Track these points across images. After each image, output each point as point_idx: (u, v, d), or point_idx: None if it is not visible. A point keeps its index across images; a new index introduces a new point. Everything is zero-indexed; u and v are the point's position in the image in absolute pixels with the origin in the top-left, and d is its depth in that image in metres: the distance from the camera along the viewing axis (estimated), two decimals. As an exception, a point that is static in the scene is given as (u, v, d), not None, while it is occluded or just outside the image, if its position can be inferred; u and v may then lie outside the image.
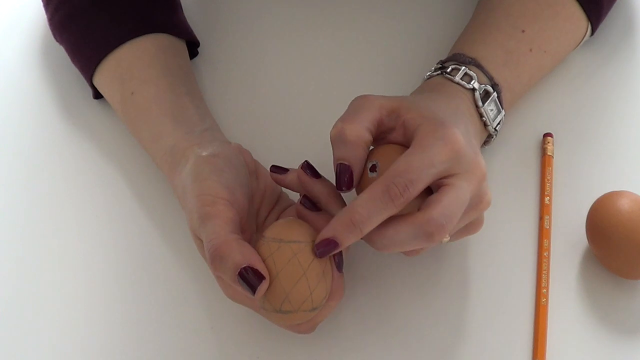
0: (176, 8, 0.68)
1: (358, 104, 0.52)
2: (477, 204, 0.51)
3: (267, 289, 0.49)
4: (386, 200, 0.47)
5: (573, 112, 0.65)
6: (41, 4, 0.69)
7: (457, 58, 0.59)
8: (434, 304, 0.57)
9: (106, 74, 0.64)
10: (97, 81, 0.65)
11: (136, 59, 0.63)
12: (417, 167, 0.48)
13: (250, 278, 0.48)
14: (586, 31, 0.64)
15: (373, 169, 0.51)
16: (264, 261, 0.49)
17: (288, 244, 0.50)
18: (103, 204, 0.64)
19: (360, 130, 0.51)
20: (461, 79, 0.57)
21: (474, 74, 0.58)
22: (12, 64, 0.73)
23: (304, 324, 0.52)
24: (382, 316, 0.56)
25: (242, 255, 0.49)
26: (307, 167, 0.53)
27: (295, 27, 0.72)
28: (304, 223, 0.51)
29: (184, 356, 0.56)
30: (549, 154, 0.62)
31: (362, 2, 0.73)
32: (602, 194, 0.56)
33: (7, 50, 0.74)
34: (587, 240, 0.57)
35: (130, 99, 0.62)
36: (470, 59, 0.59)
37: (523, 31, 0.61)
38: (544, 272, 0.57)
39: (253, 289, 0.48)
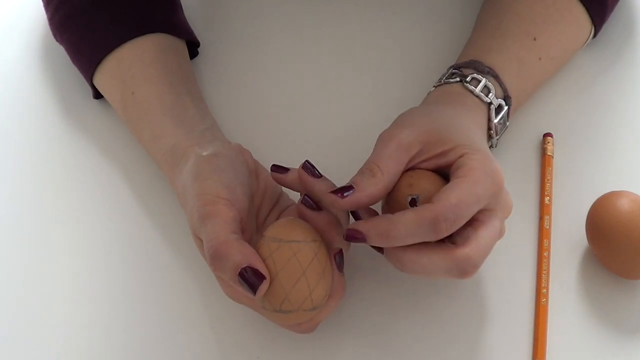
0: (176, 8, 0.68)
1: (386, 147, 0.51)
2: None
3: (268, 288, 0.49)
4: (430, 231, 0.47)
5: (573, 112, 0.65)
6: (41, 4, 0.69)
7: (476, 66, 0.59)
8: (434, 304, 0.57)
9: (106, 73, 0.64)
10: (97, 81, 0.65)
11: (137, 59, 0.63)
12: (467, 202, 0.48)
13: (250, 278, 0.48)
14: (590, 34, 0.65)
15: (413, 203, 0.50)
16: (263, 261, 0.49)
17: (288, 244, 0.50)
18: (103, 203, 0.64)
19: (386, 187, 0.50)
20: (480, 91, 0.57)
21: (492, 87, 0.58)
22: (12, 64, 0.73)
23: (305, 324, 0.52)
24: (382, 316, 0.56)
25: (242, 255, 0.49)
26: (308, 167, 0.53)
27: (295, 27, 0.72)
28: (303, 223, 0.51)
29: (184, 356, 0.56)
30: (549, 154, 0.62)
31: (364, 2, 0.73)
32: (602, 194, 0.56)
33: (7, 50, 0.74)
34: (587, 240, 0.57)
35: (131, 99, 0.62)
36: (488, 69, 0.59)
37: (534, 39, 0.61)
38: (544, 272, 0.57)
39: (253, 289, 0.48)
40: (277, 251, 0.49)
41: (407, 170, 0.52)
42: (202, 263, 0.56)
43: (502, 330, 0.55)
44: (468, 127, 0.53)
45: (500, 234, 0.52)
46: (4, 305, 0.60)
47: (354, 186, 0.50)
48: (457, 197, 0.47)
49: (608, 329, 0.55)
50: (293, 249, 0.49)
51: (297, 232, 0.50)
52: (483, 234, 0.48)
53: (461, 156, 0.50)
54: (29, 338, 0.58)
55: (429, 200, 0.49)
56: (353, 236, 0.49)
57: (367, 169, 0.51)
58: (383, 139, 0.52)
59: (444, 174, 0.52)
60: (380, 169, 0.50)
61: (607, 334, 0.55)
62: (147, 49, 0.64)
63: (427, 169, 0.52)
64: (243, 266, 0.48)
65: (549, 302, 0.56)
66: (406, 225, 0.47)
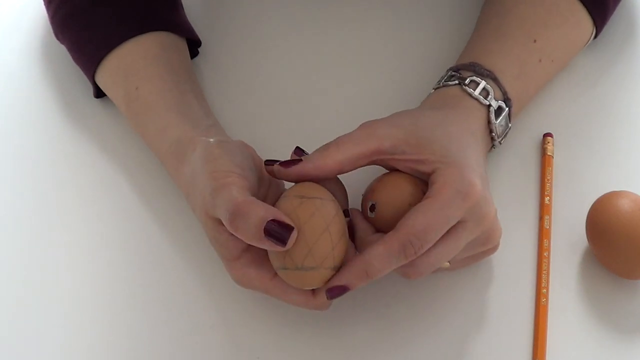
0: (177, 6, 0.68)
1: (356, 130, 0.53)
2: (486, 239, 0.53)
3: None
4: (401, 257, 0.48)
5: (573, 112, 0.65)
6: (42, 3, 0.69)
7: (475, 69, 0.59)
8: (434, 304, 0.57)
9: (108, 71, 0.64)
10: (99, 78, 0.65)
11: (139, 56, 0.63)
12: (435, 226, 0.49)
13: (277, 230, 0.48)
14: (591, 35, 0.65)
15: (372, 209, 0.52)
16: (288, 217, 0.49)
17: (311, 200, 0.49)
18: (105, 202, 0.64)
19: (334, 164, 0.52)
20: (479, 93, 0.57)
21: (491, 89, 0.58)
22: (13, 64, 0.73)
23: (321, 296, 0.51)
24: (382, 315, 0.56)
25: (265, 210, 0.48)
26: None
27: (297, 27, 0.72)
28: (320, 186, 0.52)
29: (184, 356, 0.56)
30: (549, 154, 0.62)
31: (365, 2, 0.73)
32: (602, 194, 0.56)
33: (8, 50, 0.74)
34: (587, 240, 0.57)
35: (135, 94, 0.62)
36: (487, 72, 0.58)
37: (535, 41, 0.61)
38: (544, 272, 0.57)
39: (282, 240, 0.48)
40: (301, 206, 0.49)
41: (386, 173, 0.53)
42: (202, 262, 0.56)
43: (502, 330, 0.55)
44: (450, 135, 0.53)
45: (495, 237, 0.53)
46: (6, 305, 0.60)
47: (303, 159, 0.52)
48: (423, 222, 0.48)
49: (608, 329, 0.55)
50: (316, 205, 0.49)
51: (319, 190, 0.51)
52: (438, 246, 0.50)
53: (434, 171, 0.51)
54: (32, 339, 0.58)
55: (389, 206, 0.51)
56: (336, 293, 0.49)
57: (324, 145, 0.52)
58: (360, 125, 0.54)
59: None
60: (337, 145, 0.52)
61: (607, 334, 0.55)
62: (150, 46, 0.64)
63: (405, 172, 0.53)
64: (268, 219, 0.48)
65: (549, 302, 0.56)
66: (379, 259, 0.48)
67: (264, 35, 0.72)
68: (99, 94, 0.67)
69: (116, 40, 0.63)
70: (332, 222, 0.49)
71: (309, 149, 0.54)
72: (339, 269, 0.50)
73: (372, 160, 0.52)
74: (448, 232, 0.49)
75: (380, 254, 0.48)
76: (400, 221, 0.49)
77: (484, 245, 0.53)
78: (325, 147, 0.52)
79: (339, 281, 0.49)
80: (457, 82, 0.58)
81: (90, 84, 0.67)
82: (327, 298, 0.49)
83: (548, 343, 0.54)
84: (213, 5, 0.74)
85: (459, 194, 0.49)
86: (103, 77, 0.65)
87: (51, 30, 0.69)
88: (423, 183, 0.52)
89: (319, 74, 0.69)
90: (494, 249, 0.55)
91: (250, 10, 0.74)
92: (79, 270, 0.61)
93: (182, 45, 0.67)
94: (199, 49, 0.70)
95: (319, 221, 0.49)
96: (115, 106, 0.66)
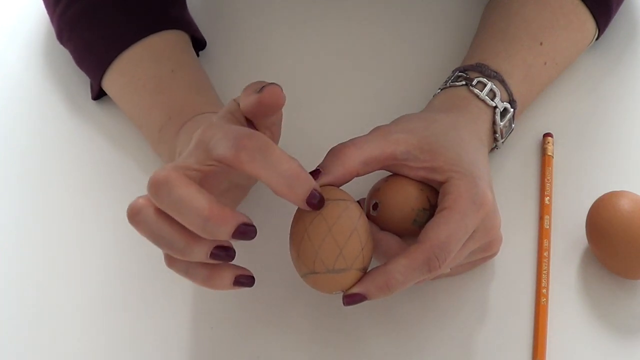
0: (185, 6, 0.69)
1: (371, 133, 0.53)
2: (488, 247, 0.53)
3: (320, 247, 0.48)
4: (425, 271, 0.48)
5: (573, 112, 0.65)
6: (42, 7, 0.69)
7: (482, 70, 0.59)
8: (433, 303, 0.57)
9: (131, 61, 0.63)
10: (113, 69, 0.64)
11: (167, 48, 0.63)
12: (457, 237, 0.48)
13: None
14: (593, 37, 0.65)
15: (375, 207, 0.52)
16: (313, 220, 0.48)
17: (335, 202, 0.49)
18: (106, 203, 0.64)
19: (354, 166, 0.51)
20: (486, 95, 0.57)
21: (498, 90, 0.58)
22: (14, 67, 0.73)
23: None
24: (382, 315, 0.56)
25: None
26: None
27: (300, 27, 0.72)
28: (340, 189, 0.51)
29: (184, 356, 0.56)
30: (549, 154, 0.62)
31: (369, 1, 0.73)
32: (602, 194, 0.56)
33: (8, 53, 0.74)
34: (587, 240, 0.57)
35: (171, 76, 0.62)
36: (494, 73, 0.58)
37: (541, 44, 0.61)
38: (544, 272, 0.57)
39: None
40: (327, 208, 0.48)
41: (393, 175, 0.53)
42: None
43: (502, 330, 0.55)
44: (462, 141, 0.53)
45: (496, 246, 0.54)
46: (6, 305, 0.60)
47: (321, 170, 0.50)
48: (446, 233, 0.48)
49: (608, 329, 0.55)
50: (341, 206, 0.49)
51: (341, 192, 0.50)
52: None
53: (447, 180, 0.50)
54: (30, 339, 0.58)
55: (392, 207, 0.51)
56: (354, 300, 0.49)
57: (338, 147, 0.51)
58: (374, 129, 0.53)
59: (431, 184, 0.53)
60: (355, 147, 0.51)
61: (607, 334, 0.55)
62: (177, 40, 0.64)
63: (414, 179, 0.52)
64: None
65: (549, 302, 0.56)
66: (401, 272, 0.48)
67: (267, 36, 0.72)
68: (99, 95, 0.67)
69: (136, 35, 0.63)
70: (358, 223, 0.49)
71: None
72: (366, 270, 0.50)
73: (385, 165, 0.52)
74: None
75: (403, 266, 0.48)
76: (421, 233, 0.49)
77: (484, 253, 0.54)
78: (341, 151, 0.51)
79: (358, 290, 0.48)
80: (464, 82, 0.58)
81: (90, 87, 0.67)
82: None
83: (548, 343, 0.54)
84: (214, 5, 0.74)
85: (474, 205, 0.49)
86: (121, 65, 0.63)
87: (52, 34, 0.69)
88: (429, 189, 0.52)
89: (321, 74, 0.69)
90: (493, 255, 0.55)
91: (252, 10, 0.74)
92: (78, 270, 0.61)
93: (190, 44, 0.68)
94: (199, 53, 0.70)
95: (346, 222, 0.48)
96: (117, 108, 0.66)
